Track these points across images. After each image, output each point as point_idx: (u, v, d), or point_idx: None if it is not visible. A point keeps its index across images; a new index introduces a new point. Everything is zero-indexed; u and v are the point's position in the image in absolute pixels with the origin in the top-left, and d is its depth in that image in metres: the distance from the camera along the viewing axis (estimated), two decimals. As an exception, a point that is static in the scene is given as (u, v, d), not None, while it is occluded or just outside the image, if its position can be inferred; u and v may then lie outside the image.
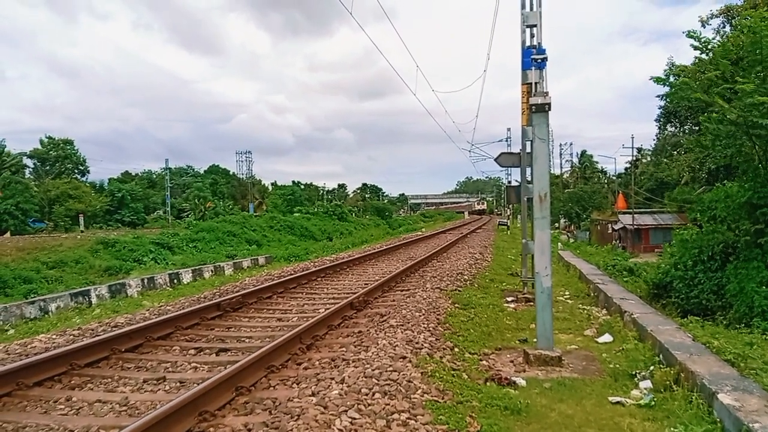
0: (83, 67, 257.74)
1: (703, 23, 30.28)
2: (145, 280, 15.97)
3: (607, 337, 8.97)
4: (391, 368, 6.21)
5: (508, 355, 8.09)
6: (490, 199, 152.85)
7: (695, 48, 12.37)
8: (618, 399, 6.15)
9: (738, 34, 12.76)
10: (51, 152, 69.54)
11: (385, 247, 26.20)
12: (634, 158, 52.62)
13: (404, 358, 6.69)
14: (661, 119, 42.50)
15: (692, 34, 12.19)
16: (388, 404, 5.23)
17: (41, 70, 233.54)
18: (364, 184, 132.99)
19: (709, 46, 12.21)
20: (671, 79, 13.09)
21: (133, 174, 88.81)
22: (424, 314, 9.47)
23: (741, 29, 12.28)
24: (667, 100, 34.55)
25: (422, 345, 7.49)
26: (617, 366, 7.35)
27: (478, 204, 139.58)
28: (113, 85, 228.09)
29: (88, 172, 73.91)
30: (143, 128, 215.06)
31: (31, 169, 68.00)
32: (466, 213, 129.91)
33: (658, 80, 12.95)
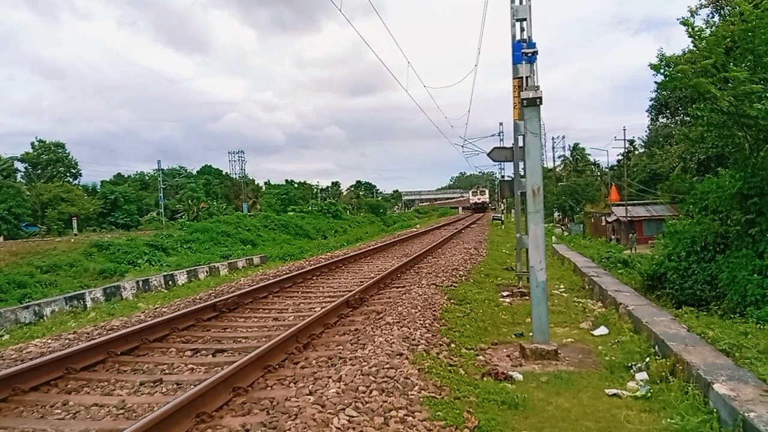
0: (69, 67, 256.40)
1: (693, 13, 30.38)
2: (140, 283, 15.92)
3: (602, 330, 9.01)
4: (388, 365, 6.22)
5: (505, 350, 8.12)
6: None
7: (690, 36, 12.42)
8: (614, 391, 6.18)
9: (728, 24, 12.81)
10: (42, 156, 69.10)
11: (380, 245, 26.20)
12: (627, 150, 52.79)
13: (401, 355, 6.70)
14: (653, 110, 42.66)
15: (686, 21, 12.24)
16: (386, 401, 5.24)
17: (26, 72, 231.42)
18: (358, 182, 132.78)
19: (702, 35, 12.25)
20: (666, 67, 13.12)
21: (126, 176, 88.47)
22: (420, 311, 9.48)
23: (733, 18, 12.31)
24: (660, 89, 34.73)
25: (419, 341, 7.50)
26: (613, 358, 7.39)
27: (476, 195, 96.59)
28: (100, 85, 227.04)
29: (81, 175, 73.60)
30: (133, 129, 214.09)
31: (22, 173, 67.63)
32: (460, 209, 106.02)
33: (654, 67, 13.01)
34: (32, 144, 69.50)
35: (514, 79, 9.11)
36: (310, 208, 55.55)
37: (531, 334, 8.01)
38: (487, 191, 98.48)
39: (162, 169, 78.40)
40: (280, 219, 41.21)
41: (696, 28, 12.28)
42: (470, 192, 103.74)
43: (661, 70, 12.97)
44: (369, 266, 17.86)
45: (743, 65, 10.84)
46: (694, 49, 12.96)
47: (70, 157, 72.46)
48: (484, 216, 73.41)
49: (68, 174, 71.23)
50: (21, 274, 19.18)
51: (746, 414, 4.64)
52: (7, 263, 22.09)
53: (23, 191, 53.60)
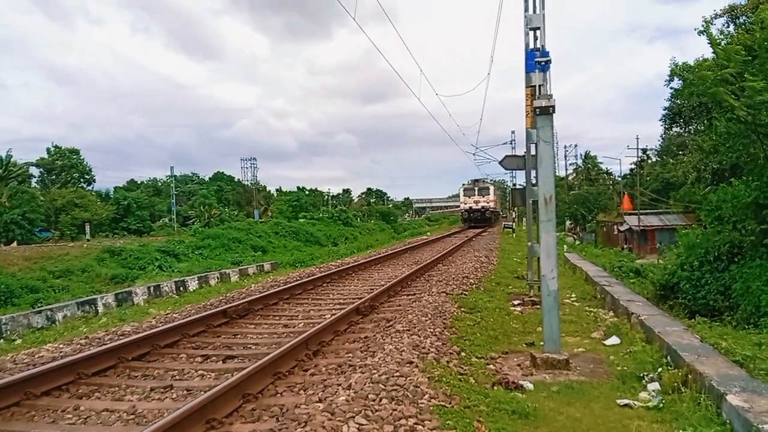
0: (82, 73, 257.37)
1: (708, 23, 30.20)
2: (151, 288, 16.00)
3: (614, 340, 8.94)
4: (397, 373, 6.20)
5: (515, 359, 8.07)
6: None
7: (709, 44, 12.40)
8: (626, 401, 6.12)
9: (744, 33, 12.77)
10: (57, 161, 69.98)
11: (390, 252, 26.18)
12: (639, 159, 52.56)
13: (411, 363, 6.68)
14: (666, 119, 42.44)
15: (707, 29, 12.24)
16: (396, 410, 5.22)
17: (40, 78, 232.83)
18: (369, 189, 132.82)
19: (721, 45, 12.22)
20: (685, 72, 13.09)
21: (139, 182, 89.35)
22: (430, 319, 9.45)
23: (754, 24, 12.26)
24: (675, 97, 34.57)
25: (429, 350, 7.48)
26: (625, 368, 7.32)
27: (473, 195, 57.09)
28: (113, 91, 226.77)
29: (94, 180, 74.44)
30: (145, 135, 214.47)
31: (37, 179, 68.39)
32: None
33: (673, 71, 13.00)
34: (48, 149, 70.59)
35: (526, 87, 9.08)
36: (320, 215, 55.65)
37: (542, 343, 7.96)
38: (492, 189, 58.60)
39: (175, 175, 79.16)
40: (291, 226, 41.27)
41: (716, 38, 12.25)
42: (461, 190, 59.09)
43: (679, 74, 12.94)
44: (379, 274, 17.85)
45: (761, 74, 10.75)
46: (711, 58, 12.89)
47: (84, 162, 73.40)
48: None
49: (82, 180, 72.09)
50: (34, 278, 19.34)
51: (761, 426, 4.58)
52: (20, 268, 22.27)
53: (38, 196, 54.09)
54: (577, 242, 43.13)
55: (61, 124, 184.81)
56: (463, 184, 59.19)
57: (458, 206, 61.52)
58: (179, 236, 37.23)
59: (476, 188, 57.26)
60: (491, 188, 58.42)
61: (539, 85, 8.11)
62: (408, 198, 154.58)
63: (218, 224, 45.83)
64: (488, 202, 56.59)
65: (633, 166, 54.89)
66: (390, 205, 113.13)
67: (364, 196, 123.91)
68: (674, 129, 45.29)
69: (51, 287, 18.83)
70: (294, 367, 7.01)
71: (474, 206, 56.39)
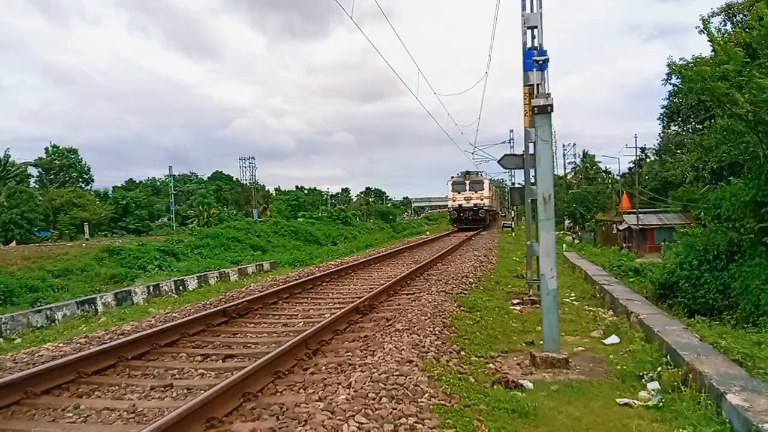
0: (80, 73, 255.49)
1: (705, 21, 30.25)
2: (151, 287, 16.00)
3: (613, 339, 8.95)
4: (397, 372, 6.21)
5: (515, 358, 8.08)
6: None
7: (709, 41, 12.44)
8: (626, 400, 6.13)
9: (741, 30, 12.80)
10: (55, 161, 69.95)
11: (389, 251, 26.18)
12: (638, 158, 52.55)
13: (411, 362, 6.69)
14: (664, 118, 42.52)
15: (706, 27, 12.28)
16: (396, 408, 5.23)
17: (38, 77, 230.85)
18: (368, 188, 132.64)
19: (721, 42, 12.24)
20: (684, 69, 13.11)
21: (137, 181, 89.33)
22: (429, 318, 9.46)
23: (752, 21, 12.28)
24: (673, 96, 34.61)
25: (428, 349, 7.49)
26: (624, 367, 7.33)
27: (462, 190, 46.93)
28: (111, 91, 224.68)
29: (93, 180, 74.39)
30: (144, 135, 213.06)
31: (35, 178, 68.32)
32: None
33: (671, 66, 13.03)
34: (46, 149, 70.61)
35: (524, 86, 9.08)
36: (319, 215, 55.63)
37: (541, 342, 7.97)
38: (486, 184, 48.32)
39: (173, 174, 79.17)
40: (290, 225, 41.25)
41: (716, 37, 12.28)
42: (449, 184, 48.28)
43: (678, 71, 12.95)
44: (378, 273, 17.85)
45: (762, 71, 10.74)
46: (710, 55, 12.91)
47: (82, 162, 73.35)
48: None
49: (80, 179, 72.04)
50: (33, 278, 19.31)
51: (761, 425, 4.59)
52: (19, 267, 22.22)
53: (36, 196, 54.05)
54: (576, 241, 43.16)
55: (58, 123, 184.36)
56: (452, 177, 48.51)
57: None
58: (178, 236, 37.17)
59: (467, 182, 47.13)
60: (486, 183, 48.22)
61: (537, 84, 8.11)
62: (407, 197, 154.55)
63: (217, 224, 45.82)
64: (482, 199, 46.73)
65: (631, 165, 54.85)
66: (389, 205, 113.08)
67: (362, 195, 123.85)
68: (672, 127, 45.38)
69: (50, 286, 18.81)
70: (294, 366, 7.01)
71: (465, 204, 46.71)
